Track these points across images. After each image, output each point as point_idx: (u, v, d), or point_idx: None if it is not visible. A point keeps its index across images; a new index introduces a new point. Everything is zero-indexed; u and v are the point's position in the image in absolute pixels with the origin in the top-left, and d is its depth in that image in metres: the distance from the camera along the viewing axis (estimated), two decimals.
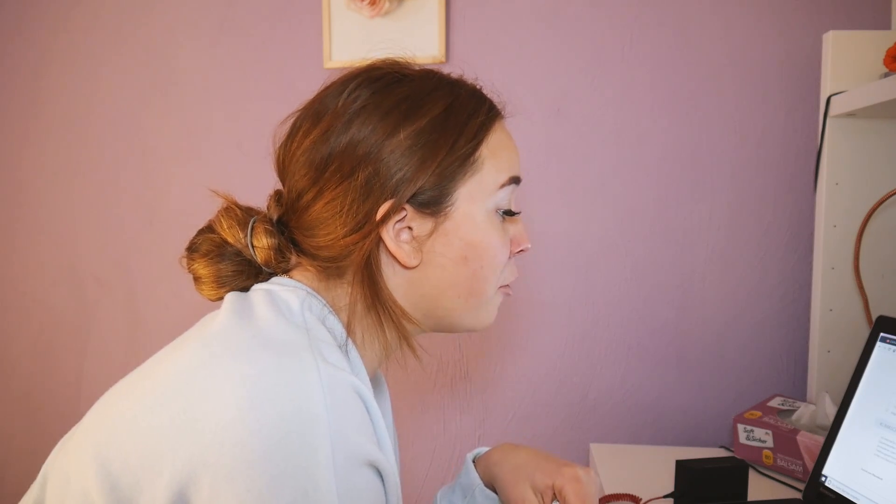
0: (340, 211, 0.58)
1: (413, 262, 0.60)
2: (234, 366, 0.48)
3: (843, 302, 1.10)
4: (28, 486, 0.56)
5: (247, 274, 0.62)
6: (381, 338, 0.63)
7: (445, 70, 1.42)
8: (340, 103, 0.60)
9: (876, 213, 1.06)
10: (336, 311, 0.61)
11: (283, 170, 0.64)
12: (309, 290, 0.60)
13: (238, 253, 0.62)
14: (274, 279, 0.62)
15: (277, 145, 0.64)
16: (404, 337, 0.63)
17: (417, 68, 0.65)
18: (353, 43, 1.32)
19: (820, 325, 1.11)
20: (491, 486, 0.71)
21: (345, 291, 0.61)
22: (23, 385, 1.46)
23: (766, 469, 1.05)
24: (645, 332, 1.30)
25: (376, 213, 0.58)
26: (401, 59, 0.65)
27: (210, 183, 1.39)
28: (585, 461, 1.33)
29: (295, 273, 0.63)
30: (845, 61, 1.07)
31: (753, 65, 1.24)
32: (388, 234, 0.59)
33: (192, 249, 0.63)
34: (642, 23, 1.26)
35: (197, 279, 0.63)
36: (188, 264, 0.63)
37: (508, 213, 0.65)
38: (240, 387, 0.46)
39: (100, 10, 1.42)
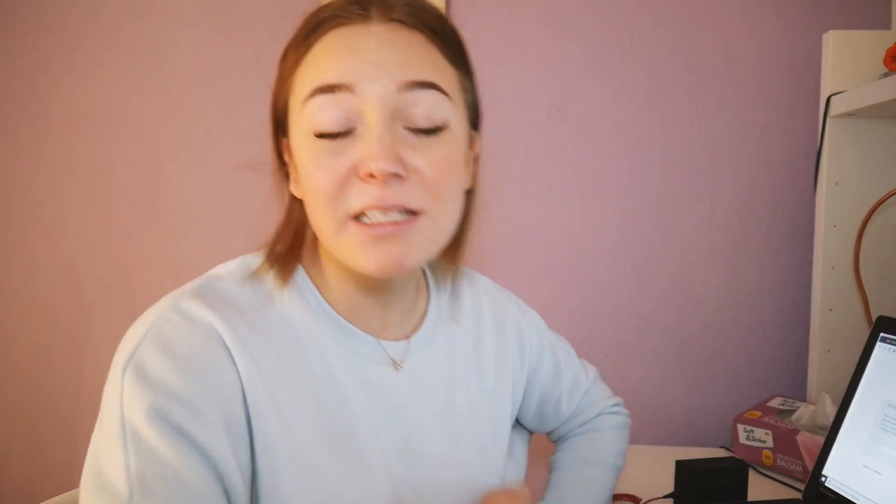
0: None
1: (294, 191, 0.57)
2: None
3: (843, 302, 1.10)
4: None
5: None
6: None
7: None
8: None
9: (876, 213, 1.06)
10: (310, 253, 0.61)
11: None
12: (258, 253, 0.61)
13: None
14: None
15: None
16: (337, 255, 0.55)
17: None
18: None
19: (820, 325, 1.11)
20: None
21: None
22: (22, 385, 1.46)
23: (766, 469, 1.05)
24: (645, 332, 1.29)
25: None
26: None
27: (210, 182, 1.39)
28: None
29: None
30: (845, 61, 1.07)
31: (753, 65, 1.24)
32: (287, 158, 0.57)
33: None
34: (642, 22, 1.26)
35: None
36: None
37: (320, 136, 0.50)
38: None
39: (99, 9, 1.42)
